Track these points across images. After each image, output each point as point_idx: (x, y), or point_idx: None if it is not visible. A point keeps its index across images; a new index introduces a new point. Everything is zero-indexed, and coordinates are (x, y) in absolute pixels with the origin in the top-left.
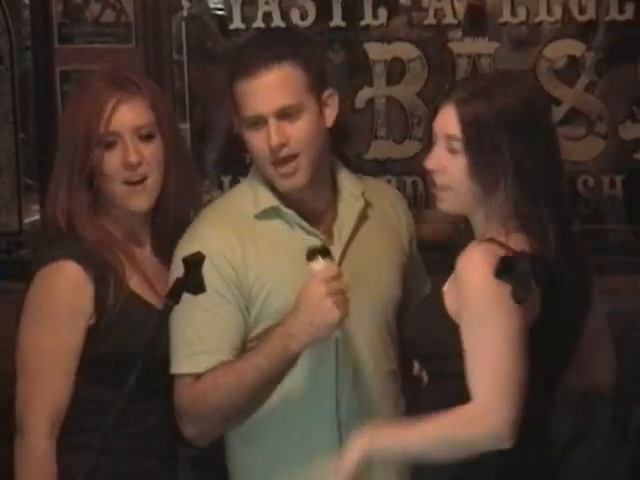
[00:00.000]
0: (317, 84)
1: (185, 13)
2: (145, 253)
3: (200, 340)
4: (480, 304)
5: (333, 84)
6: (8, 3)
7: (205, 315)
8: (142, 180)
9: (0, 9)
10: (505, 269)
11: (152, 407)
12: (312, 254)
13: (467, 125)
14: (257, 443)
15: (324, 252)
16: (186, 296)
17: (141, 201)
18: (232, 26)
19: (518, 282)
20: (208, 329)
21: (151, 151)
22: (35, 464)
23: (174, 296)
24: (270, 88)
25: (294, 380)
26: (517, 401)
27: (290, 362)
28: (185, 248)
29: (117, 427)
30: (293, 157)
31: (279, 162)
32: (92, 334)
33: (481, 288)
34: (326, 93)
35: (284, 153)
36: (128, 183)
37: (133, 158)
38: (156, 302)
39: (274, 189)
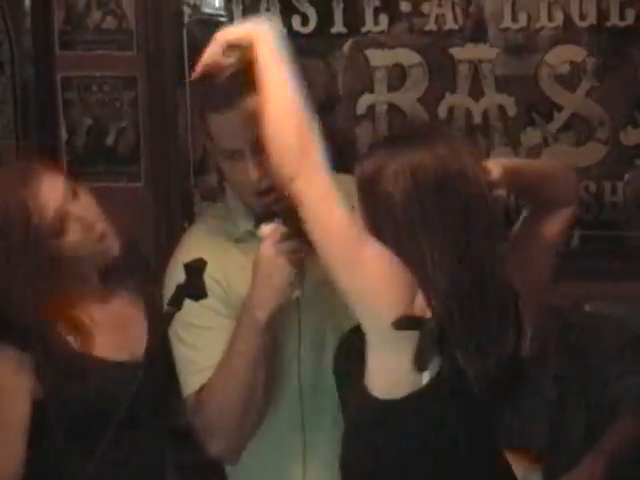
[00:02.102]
0: None
1: (186, 20)
2: (99, 302)
3: (200, 357)
4: None
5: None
6: (10, 11)
7: (199, 332)
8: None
9: (1, 16)
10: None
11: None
12: (259, 221)
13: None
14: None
15: (271, 217)
16: (178, 320)
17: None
18: None
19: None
20: (206, 344)
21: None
22: None
23: (176, 302)
24: (244, 121)
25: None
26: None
27: (263, 336)
28: (170, 272)
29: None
30: (275, 186)
31: (263, 194)
32: (44, 404)
33: None
34: None
35: (264, 184)
36: (94, 242)
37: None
38: (110, 353)
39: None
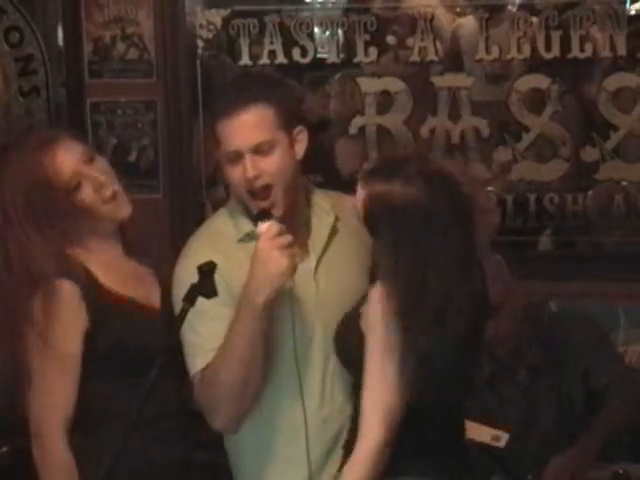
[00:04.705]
0: (288, 122)
1: (200, 51)
2: (120, 256)
3: (205, 341)
4: (379, 328)
5: (305, 118)
6: (45, 43)
7: (205, 319)
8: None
9: (38, 49)
10: None
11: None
12: (257, 219)
13: None
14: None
15: (268, 215)
16: (197, 310)
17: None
18: (241, 62)
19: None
20: (210, 330)
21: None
22: (56, 466)
23: (189, 299)
24: (246, 127)
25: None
26: (392, 427)
27: (261, 318)
28: (179, 266)
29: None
30: (267, 188)
31: (256, 193)
32: (89, 336)
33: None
34: (296, 130)
35: (258, 184)
36: (105, 201)
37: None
38: (136, 295)
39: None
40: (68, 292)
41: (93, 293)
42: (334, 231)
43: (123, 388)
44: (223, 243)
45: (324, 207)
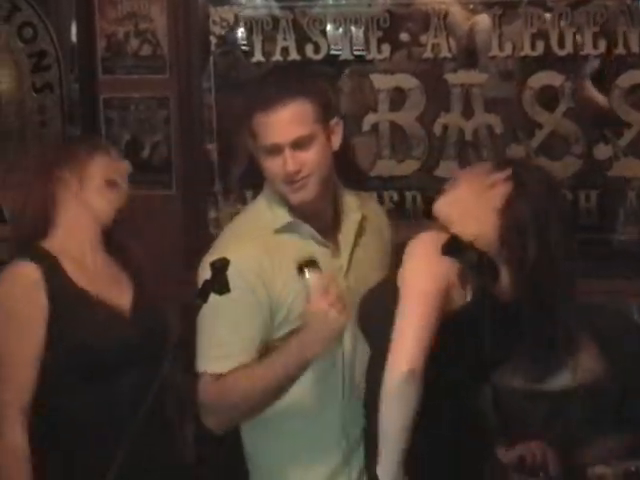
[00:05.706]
0: (324, 114)
1: (213, 48)
2: (99, 255)
3: (225, 344)
4: (414, 275)
5: (340, 110)
6: (59, 40)
7: (230, 322)
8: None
9: (52, 45)
10: (453, 247)
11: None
12: (301, 269)
13: None
14: (272, 445)
15: (311, 264)
16: (215, 304)
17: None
18: (254, 59)
19: (464, 259)
20: (233, 335)
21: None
22: (10, 450)
23: (202, 296)
24: (285, 122)
25: (304, 386)
26: (418, 358)
27: (305, 369)
28: (203, 264)
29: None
30: (306, 178)
31: (293, 182)
32: (51, 328)
33: (420, 260)
34: (333, 122)
35: (298, 177)
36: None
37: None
38: (104, 294)
39: (288, 206)
40: (27, 274)
41: (57, 280)
42: (361, 229)
43: (87, 391)
44: (258, 236)
45: (351, 205)
